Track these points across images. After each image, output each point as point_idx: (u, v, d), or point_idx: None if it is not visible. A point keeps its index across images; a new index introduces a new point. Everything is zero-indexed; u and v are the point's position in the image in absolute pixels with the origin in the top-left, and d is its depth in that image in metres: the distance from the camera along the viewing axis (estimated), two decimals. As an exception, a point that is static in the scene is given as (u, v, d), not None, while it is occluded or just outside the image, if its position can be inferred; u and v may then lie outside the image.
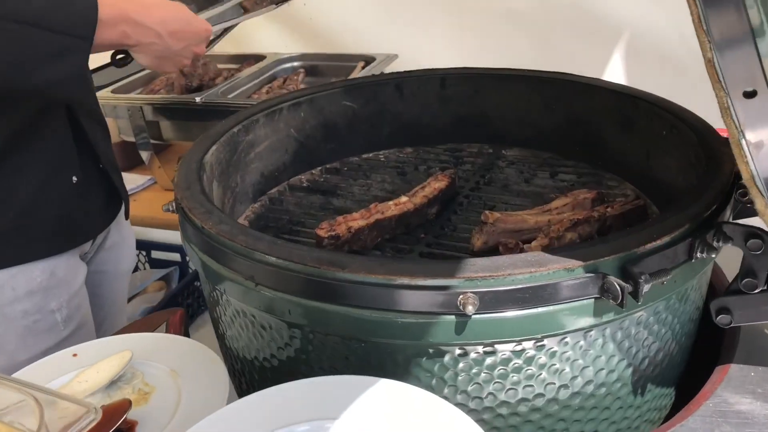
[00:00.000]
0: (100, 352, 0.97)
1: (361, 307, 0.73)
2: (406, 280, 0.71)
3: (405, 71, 1.35)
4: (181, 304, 2.39)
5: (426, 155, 1.33)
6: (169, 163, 2.17)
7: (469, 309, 0.69)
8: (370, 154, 1.34)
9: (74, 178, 1.25)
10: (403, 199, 1.07)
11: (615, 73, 1.98)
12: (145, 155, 2.05)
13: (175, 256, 2.89)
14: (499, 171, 1.25)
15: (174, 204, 0.94)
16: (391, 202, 1.06)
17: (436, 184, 1.11)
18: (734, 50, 0.51)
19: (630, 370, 0.82)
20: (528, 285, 0.70)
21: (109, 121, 2.07)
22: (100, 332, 1.51)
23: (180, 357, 0.95)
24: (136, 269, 2.62)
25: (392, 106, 1.32)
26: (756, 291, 0.80)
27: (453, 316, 0.71)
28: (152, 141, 2.01)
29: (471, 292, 0.70)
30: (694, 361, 0.96)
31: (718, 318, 0.84)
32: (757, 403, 0.82)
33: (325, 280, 0.73)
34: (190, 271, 2.73)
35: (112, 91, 1.96)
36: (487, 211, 0.98)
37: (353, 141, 1.32)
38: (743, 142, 0.57)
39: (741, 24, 0.48)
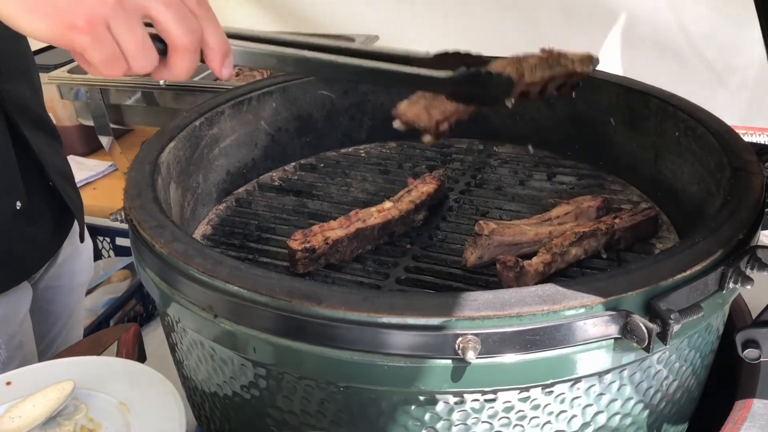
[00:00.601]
0: (38, 380, 0.84)
1: (341, 348, 0.61)
2: (394, 319, 0.59)
3: (388, 58, 1.22)
4: (147, 294, 2.26)
5: (411, 151, 1.21)
6: (131, 149, 2.02)
7: (470, 355, 0.58)
8: (350, 149, 1.22)
9: (18, 204, 1.10)
10: (387, 204, 0.96)
11: (610, 60, 1.87)
12: (105, 140, 1.91)
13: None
14: (491, 171, 1.13)
15: (122, 214, 0.81)
16: (373, 209, 0.94)
17: (423, 188, 0.99)
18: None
19: (646, 412, 0.71)
20: (540, 325, 0.59)
21: (66, 103, 1.93)
22: (51, 349, 1.38)
23: (131, 387, 0.83)
24: (99, 257, 2.48)
25: (374, 97, 1.20)
26: (791, 324, 0.70)
27: (450, 361, 0.60)
28: (113, 125, 1.87)
29: (472, 334, 0.58)
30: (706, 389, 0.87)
31: (744, 352, 0.74)
32: (787, 450, 0.73)
33: (298, 315, 0.61)
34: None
35: (69, 71, 1.81)
36: (481, 222, 0.87)
37: (331, 134, 1.20)
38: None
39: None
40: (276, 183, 1.13)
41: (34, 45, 1.30)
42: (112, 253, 2.52)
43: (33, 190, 1.14)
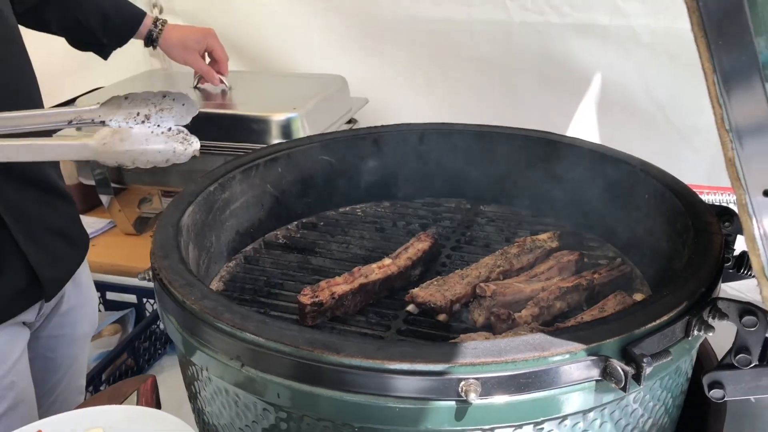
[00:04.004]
0: (67, 427, 0.91)
1: (357, 392, 0.70)
2: (405, 365, 0.68)
3: (382, 126, 1.33)
4: (138, 349, 2.30)
5: (404, 210, 1.31)
6: (129, 206, 2.11)
7: (472, 396, 0.66)
8: (347, 208, 1.32)
9: None
10: (387, 261, 1.05)
11: (584, 122, 2.00)
12: (104, 198, 1.99)
13: (131, 298, 2.79)
14: (479, 228, 1.23)
15: (150, 273, 0.89)
16: (374, 265, 1.03)
17: (419, 245, 1.09)
18: (756, 152, 0.50)
19: (626, 448, 0.80)
20: (531, 369, 0.68)
21: (67, 163, 2.01)
22: (52, 397, 1.42)
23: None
24: (90, 311, 2.53)
25: (370, 161, 1.30)
26: (749, 366, 0.80)
27: (453, 402, 0.68)
28: (113, 184, 1.95)
29: (473, 378, 0.67)
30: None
31: (710, 392, 0.82)
32: (750, 480, 0.82)
33: (319, 363, 0.70)
34: (147, 313, 2.65)
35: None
36: (482, 284, 0.96)
37: (330, 195, 1.29)
38: (758, 236, 0.56)
39: (764, 129, 0.48)
40: (281, 241, 1.22)
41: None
42: (102, 307, 2.56)
43: (2, 245, 1.17)
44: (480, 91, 2.10)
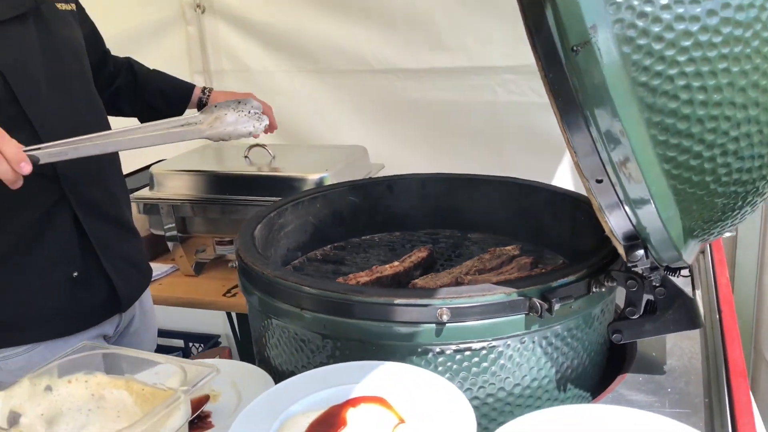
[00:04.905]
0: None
1: (374, 320, 1.11)
2: (405, 300, 1.10)
3: (395, 175, 1.78)
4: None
5: (410, 237, 1.74)
6: (189, 253, 2.56)
7: (445, 318, 1.08)
8: (368, 236, 1.75)
9: (74, 273, 1.55)
10: (396, 263, 1.47)
11: (563, 178, 2.45)
12: (171, 245, 2.44)
13: (179, 343, 3.21)
14: (465, 249, 1.66)
15: (237, 261, 1.33)
16: (387, 265, 1.46)
17: (419, 254, 1.52)
18: (588, 160, 0.93)
19: (554, 370, 1.20)
20: (482, 303, 1.10)
21: (140, 217, 2.48)
22: None
23: (237, 373, 1.31)
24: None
25: (385, 201, 1.74)
26: (635, 317, 1.20)
27: (434, 324, 1.10)
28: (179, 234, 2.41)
29: (446, 308, 1.09)
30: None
31: (612, 336, 1.23)
32: (640, 395, 1.21)
33: (351, 302, 1.12)
34: (192, 356, 3.06)
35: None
36: (462, 276, 1.38)
37: (355, 226, 1.73)
38: (602, 209, 0.99)
39: (593, 152, 0.91)
40: (319, 257, 1.65)
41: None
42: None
43: (89, 265, 1.59)
44: (474, 157, 2.57)
